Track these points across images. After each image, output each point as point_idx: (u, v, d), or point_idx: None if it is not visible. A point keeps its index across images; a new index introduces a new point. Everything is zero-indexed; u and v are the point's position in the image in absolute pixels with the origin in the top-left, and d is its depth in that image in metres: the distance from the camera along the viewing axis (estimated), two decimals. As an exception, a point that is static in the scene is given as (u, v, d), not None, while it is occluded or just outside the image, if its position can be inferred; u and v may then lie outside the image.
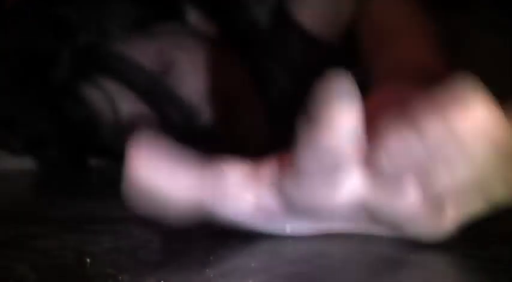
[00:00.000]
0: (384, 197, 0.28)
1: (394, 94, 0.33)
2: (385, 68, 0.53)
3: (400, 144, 0.27)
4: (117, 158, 0.65)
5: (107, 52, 0.62)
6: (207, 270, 0.26)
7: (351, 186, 0.28)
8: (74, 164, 0.69)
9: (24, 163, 0.70)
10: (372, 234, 0.31)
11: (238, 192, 0.29)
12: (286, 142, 0.30)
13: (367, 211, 0.29)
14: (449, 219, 0.29)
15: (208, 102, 0.64)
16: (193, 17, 0.66)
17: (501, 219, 0.41)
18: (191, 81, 0.64)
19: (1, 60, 0.63)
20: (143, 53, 0.63)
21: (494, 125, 0.26)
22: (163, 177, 0.28)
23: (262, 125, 0.66)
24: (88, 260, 0.28)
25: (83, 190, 0.59)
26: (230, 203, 0.29)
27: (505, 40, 0.73)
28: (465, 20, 0.75)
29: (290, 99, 0.67)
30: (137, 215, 0.36)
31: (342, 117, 0.27)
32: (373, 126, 0.28)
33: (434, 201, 0.28)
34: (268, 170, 0.29)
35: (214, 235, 0.34)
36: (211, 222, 0.36)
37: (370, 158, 0.27)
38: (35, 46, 0.62)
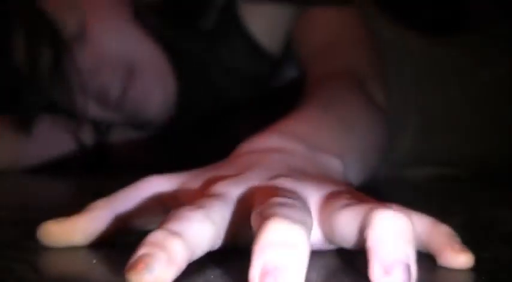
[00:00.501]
0: None
1: None
2: (322, 73, 0.57)
3: None
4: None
5: None
6: (207, 270, 0.26)
7: None
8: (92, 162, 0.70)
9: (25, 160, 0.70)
10: None
11: None
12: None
13: None
14: None
15: (109, 67, 0.65)
16: None
17: (501, 219, 0.41)
18: (95, 44, 0.65)
19: None
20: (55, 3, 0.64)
21: None
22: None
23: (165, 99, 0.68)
24: (88, 260, 0.28)
25: (84, 190, 0.59)
26: None
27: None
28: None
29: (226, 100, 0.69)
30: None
31: None
32: None
33: None
34: None
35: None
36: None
37: None
38: None
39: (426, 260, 0.28)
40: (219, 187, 0.28)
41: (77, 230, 0.30)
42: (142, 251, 0.22)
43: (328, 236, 0.27)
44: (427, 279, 0.26)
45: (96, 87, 0.66)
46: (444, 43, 0.77)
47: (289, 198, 0.25)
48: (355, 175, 0.40)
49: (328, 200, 0.27)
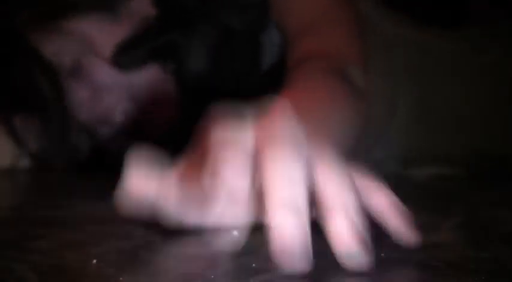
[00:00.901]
0: None
1: None
2: (301, 54, 0.58)
3: None
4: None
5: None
6: (207, 270, 0.26)
7: None
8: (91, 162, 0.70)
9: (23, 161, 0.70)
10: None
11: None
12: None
13: None
14: None
15: (109, 94, 0.67)
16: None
17: (501, 219, 0.41)
18: (97, 72, 0.66)
19: None
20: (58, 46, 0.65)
21: None
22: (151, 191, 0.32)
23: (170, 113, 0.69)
24: (88, 260, 0.28)
25: (83, 190, 0.59)
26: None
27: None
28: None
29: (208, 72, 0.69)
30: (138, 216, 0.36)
31: None
32: None
33: None
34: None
35: (215, 236, 0.34)
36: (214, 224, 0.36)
37: None
38: None
39: (429, 261, 0.28)
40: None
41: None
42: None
43: None
44: (427, 279, 0.26)
45: (99, 114, 0.67)
46: (445, 38, 0.77)
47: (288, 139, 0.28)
48: None
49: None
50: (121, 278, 0.24)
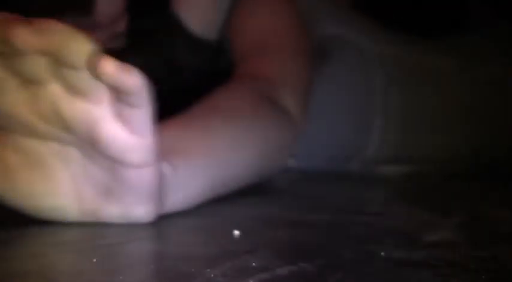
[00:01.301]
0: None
1: None
2: (237, 74, 0.59)
3: None
4: None
5: None
6: (207, 270, 0.26)
7: None
8: None
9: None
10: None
11: None
12: None
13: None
14: None
15: None
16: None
17: (501, 219, 0.42)
18: None
19: None
20: None
21: None
22: None
23: None
24: (88, 260, 0.28)
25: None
26: None
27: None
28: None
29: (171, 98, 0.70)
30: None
31: None
32: None
33: None
34: None
35: (215, 235, 0.34)
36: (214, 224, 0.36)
37: None
38: None
39: (429, 261, 0.28)
40: None
41: None
42: None
43: None
44: (427, 279, 0.26)
45: None
46: (426, 44, 0.77)
47: None
48: (197, 182, 0.41)
49: None
50: (121, 278, 0.25)
